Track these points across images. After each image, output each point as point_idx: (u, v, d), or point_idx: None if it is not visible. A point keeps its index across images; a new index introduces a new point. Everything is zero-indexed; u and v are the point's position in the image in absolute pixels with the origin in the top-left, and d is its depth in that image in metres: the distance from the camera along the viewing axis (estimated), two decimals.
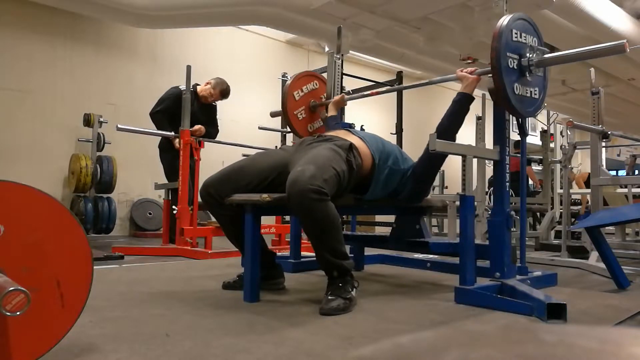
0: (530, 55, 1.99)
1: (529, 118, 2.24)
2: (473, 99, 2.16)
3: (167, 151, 4.24)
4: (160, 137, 4.31)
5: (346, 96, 2.81)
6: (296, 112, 2.85)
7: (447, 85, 9.48)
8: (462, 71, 2.20)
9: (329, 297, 1.76)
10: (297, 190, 1.70)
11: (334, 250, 1.81)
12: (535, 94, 2.07)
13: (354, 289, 1.84)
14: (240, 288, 1.99)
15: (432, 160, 2.15)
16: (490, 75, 1.96)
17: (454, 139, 2.09)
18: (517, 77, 1.97)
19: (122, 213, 6.10)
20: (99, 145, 5.65)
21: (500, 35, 1.90)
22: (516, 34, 1.97)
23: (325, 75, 3.02)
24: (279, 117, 3.93)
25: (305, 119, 2.89)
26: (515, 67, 1.96)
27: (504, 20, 1.95)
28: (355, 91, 5.14)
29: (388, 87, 2.87)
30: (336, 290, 1.79)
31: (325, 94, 2.94)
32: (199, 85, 4.39)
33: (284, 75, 5.28)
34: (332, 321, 1.61)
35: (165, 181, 4.27)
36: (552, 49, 6.00)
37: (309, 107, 2.91)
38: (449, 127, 2.07)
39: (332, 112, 2.75)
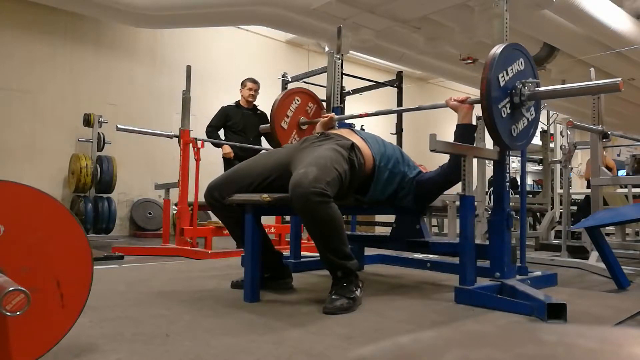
0: (523, 90, 1.95)
1: None
2: (475, 127, 2.16)
3: (226, 161, 4.65)
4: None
5: (335, 117, 2.70)
6: (290, 141, 2.77)
7: (447, 85, 9.49)
8: (452, 100, 2.19)
9: (333, 297, 1.77)
10: (300, 193, 1.70)
11: (338, 251, 1.81)
12: (531, 117, 2.07)
13: (359, 289, 1.85)
14: None
15: (443, 184, 2.21)
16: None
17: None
18: (511, 119, 1.96)
19: (122, 213, 6.10)
20: (99, 145, 5.65)
21: (489, 90, 1.84)
22: (502, 77, 1.91)
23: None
24: None
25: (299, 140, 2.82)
26: (508, 111, 1.93)
27: (490, 71, 1.86)
28: (355, 91, 5.17)
29: (378, 111, 2.77)
30: (340, 289, 1.80)
31: (311, 103, 2.88)
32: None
33: (284, 75, 5.28)
34: (332, 321, 1.61)
35: (166, 181, 4.28)
36: (552, 49, 6.01)
37: (298, 127, 2.82)
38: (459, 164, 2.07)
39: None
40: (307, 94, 2.91)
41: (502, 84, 1.90)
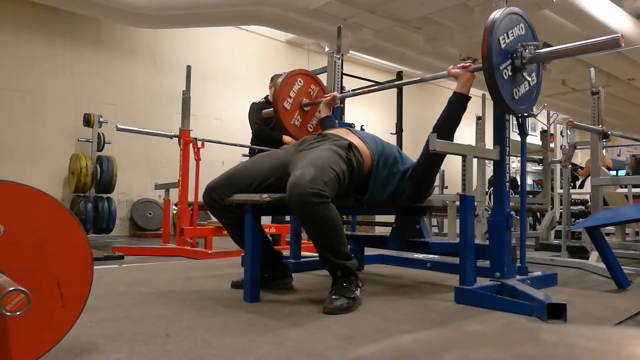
0: (524, 53, 1.93)
1: (529, 118, 2.24)
2: (469, 98, 2.09)
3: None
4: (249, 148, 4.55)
5: (338, 95, 2.73)
6: (292, 121, 2.77)
7: (447, 85, 9.48)
8: (454, 68, 2.14)
9: (333, 297, 1.77)
10: (297, 194, 1.70)
11: (336, 251, 1.81)
12: (533, 82, 2.05)
13: (359, 289, 1.85)
14: None
15: (431, 160, 2.13)
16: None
17: (451, 140, 2.07)
18: (512, 82, 1.93)
19: (122, 213, 6.10)
20: (99, 145, 5.66)
21: (489, 52, 1.82)
22: (503, 39, 1.89)
23: (316, 74, 2.96)
24: None
25: (302, 122, 2.83)
26: (510, 73, 1.91)
27: (490, 35, 1.84)
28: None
29: (380, 85, 2.79)
30: (340, 289, 1.80)
31: (313, 86, 2.87)
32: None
33: None
34: (332, 321, 1.61)
35: (166, 181, 4.28)
36: None
37: (301, 108, 2.82)
38: (444, 129, 2.01)
39: (325, 112, 2.68)
40: (310, 76, 2.89)
41: (502, 46, 1.88)
